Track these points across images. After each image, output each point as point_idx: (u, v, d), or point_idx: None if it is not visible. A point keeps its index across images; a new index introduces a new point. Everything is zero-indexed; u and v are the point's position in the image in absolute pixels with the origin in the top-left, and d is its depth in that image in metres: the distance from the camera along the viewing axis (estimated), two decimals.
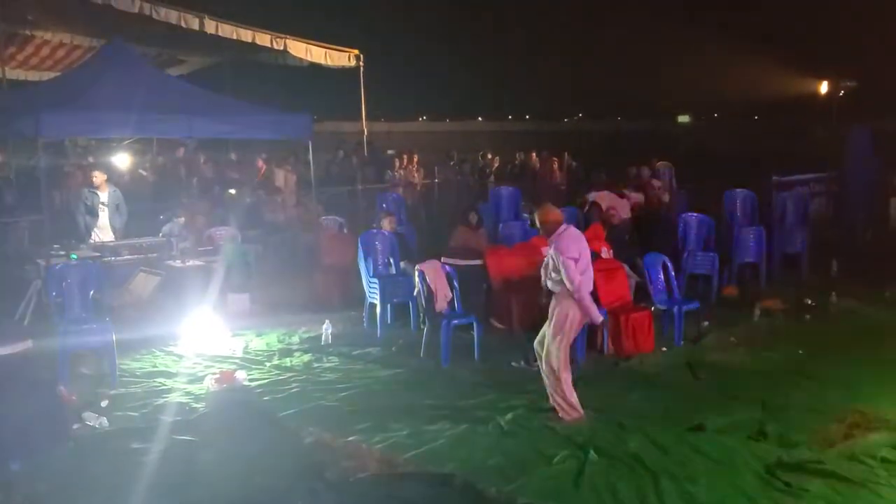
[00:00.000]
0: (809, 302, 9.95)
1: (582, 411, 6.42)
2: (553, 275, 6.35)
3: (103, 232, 10.40)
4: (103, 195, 10.42)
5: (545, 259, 6.54)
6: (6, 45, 13.84)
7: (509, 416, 6.48)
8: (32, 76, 15.74)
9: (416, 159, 16.38)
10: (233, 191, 13.79)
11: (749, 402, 6.78)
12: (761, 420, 6.37)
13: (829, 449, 5.82)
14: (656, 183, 13.62)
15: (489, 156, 18.06)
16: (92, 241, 10.05)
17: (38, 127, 9.01)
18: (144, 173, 15.08)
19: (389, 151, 18.58)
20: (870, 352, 8.10)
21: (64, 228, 10.62)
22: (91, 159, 13.65)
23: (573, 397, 6.43)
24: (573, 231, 6.48)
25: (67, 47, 14.99)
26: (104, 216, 10.40)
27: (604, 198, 11.29)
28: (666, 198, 13.45)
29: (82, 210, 10.32)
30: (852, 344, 8.45)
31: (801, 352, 8.23)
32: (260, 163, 14.60)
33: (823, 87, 19.73)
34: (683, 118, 38.06)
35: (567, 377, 6.43)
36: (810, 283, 10.93)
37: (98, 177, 10.52)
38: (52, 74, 15.42)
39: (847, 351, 8.21)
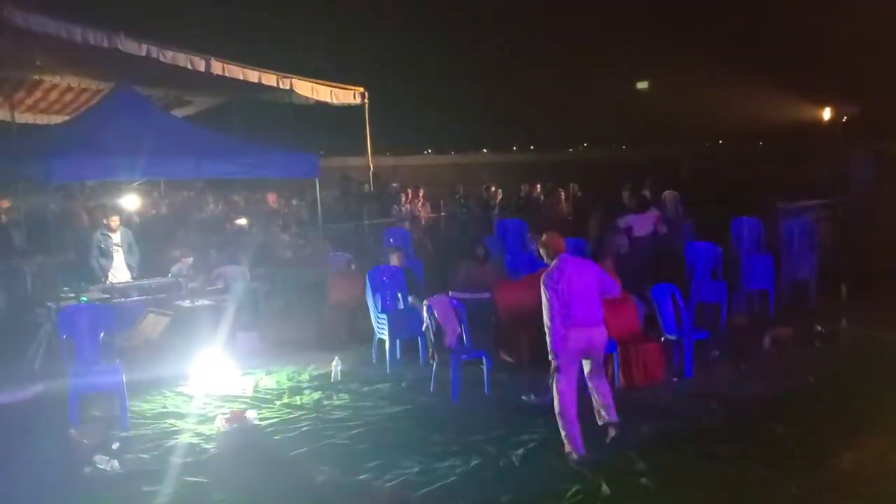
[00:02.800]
0: (820, 329, 9.91)
1: (577, 449, 6.28)
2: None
3: (120, 272, 10.46)
4: (116, 237, 10.51)
5: None
6: (15, 89, 14.02)
7: (521, 451, 6.47)
8: (41, 120, 15.89)
9: (421, 193, 16.45)
10: (242, 220, 13.86)
11: (761, 431, 6.75)
12: (774, 449, 6.34)
13: (844, 477, 5.78)
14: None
15: (492, 188, 18.12)
16: (110, 283, 10.08)
17: (47, 171, 9.10)
18: (155, 211, 15.21)
19: (394, 185, 18.68)
20: (882, 378, 8.07)
21: (74, 270, 10.67)
22: (104, 202, 13.75)
23: (572, 431, 6.33)
24: (566, 261, 6.49)
25: (76, 90, 15.16)
26: (119, 257, 10.48)
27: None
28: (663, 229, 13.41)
29: (96, 254, 10.39)
30: (864, 370, 8.42)
31: (812, 379, 8.20)
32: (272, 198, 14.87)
33: (826, 114, 19.85)
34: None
35: (562, 410, 6.34)
36: (820, 310, 10.89)
37: (114, 220, 10.61)
38: (60, 118, 15.58)
39: (859, 377, 8.18)
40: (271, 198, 15.09)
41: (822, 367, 8.56)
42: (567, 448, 6.29)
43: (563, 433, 6.34)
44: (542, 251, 6.67)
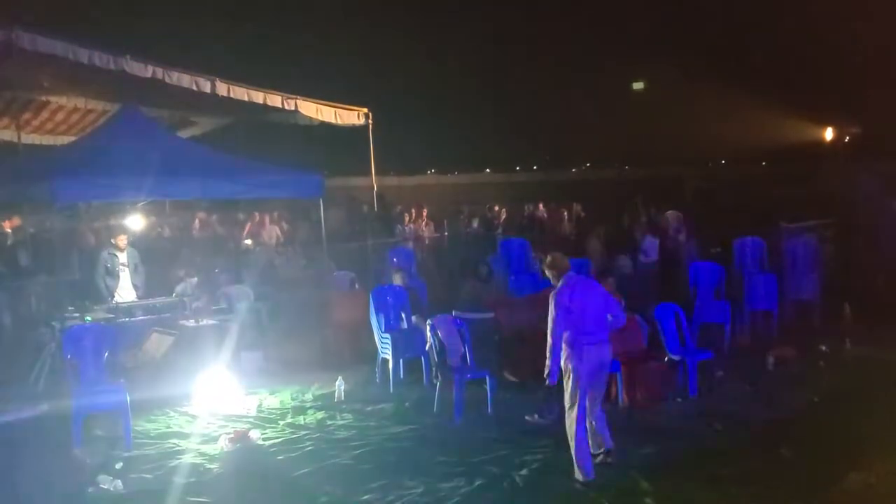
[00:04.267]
0: (823, 349, 9.91)
1: (588, 473, 6.23)
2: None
3: (126, 292, 10.47)
4: (122, 256, 10.54)
5: None
6: (22, 110, 14.12)
7: (524, 471, 6.46)
8: (47, 140, 15.99)
9: (424, 213, 16.49)
10: (248, 241, 13.90)
11: (765, 452, 6.74)
12: (779, 470, 6.32)
13: (851, 498, 5.75)
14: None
15: (496, 208, 18.19)
16: (114, 303, 10.10)
17: (52, 192, 9.14)
18: (167, 234, 15.28)
19: (399, 207, 18.74)
20: (887, 398, 8.04)
21: (79, 290, 10.70)
22: (109, 221, 13.81)
23: (586, 456, 6.30)
24: (574, 279, 6.51)
25: (82, 112, 15.25)
26: (125, 277, 10.50)
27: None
28: (682, 237, 13.46)
29: (102, 273, 10.40)
30: (868, 391, 8.40)
31: (816, 400, 8.19)
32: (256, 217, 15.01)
33: (828, 134, 19.87)
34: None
35: (578, 436, 6.30)
36: (823, 330, 10.88)
37: (122, 239, 10.65)
38: (66, 139, 15.66)
39: (863, 398, 8.16)
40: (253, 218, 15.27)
41: (826, 388, 8.55)
42: (579, 473, 6.24)
43: (576, 456, 6.28)
44: (547, 272, 6.68)
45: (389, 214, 16.79)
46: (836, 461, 6.45)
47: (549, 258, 6.72)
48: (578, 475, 6.22)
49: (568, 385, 6.32)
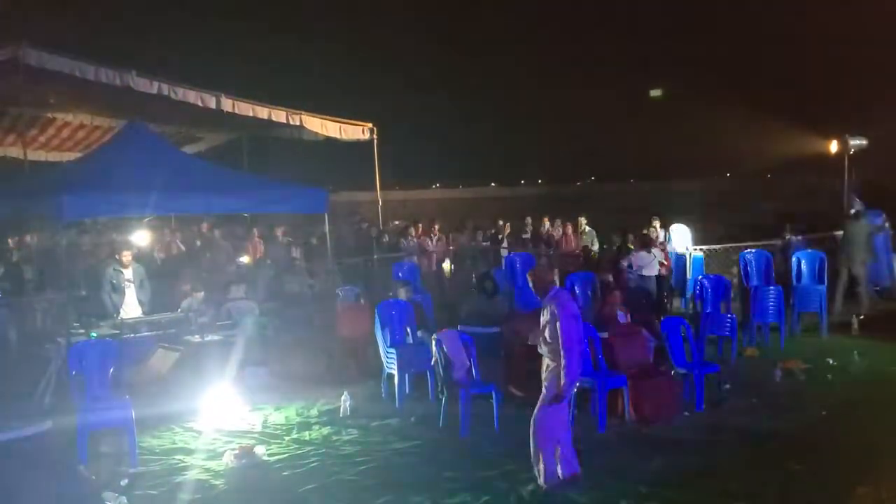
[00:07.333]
0: (831, 361, 9.86)
1: (576, 468, 6.34)
2: (549, 340, 6.32)
3: (131, 308, 10.47)
4: (128, 272, 10.54)
5: (541, 322, 6.48)
6: (28, 127, 14.20)
7: (531, 486, 6.42)
8: (53, 157, 16.07)
9: (436, 228, 16.42)
10: (245, 259, 13.88)
11: (773, 466, 6.70)
12: (787, 484, 6.28)
13: None
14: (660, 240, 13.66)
15: (500, 222, 18.18)
16: (121, 318, 10.10)
17: (60, 209, 9.16)
18: (166, 251, 15.27)
19: (395, 222, 18.76)
20: (895, 411, 7.99)
21: (85, 306, 10.70)
22: (115, 236, 13.83)
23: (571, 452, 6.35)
24: (566, 294, 6.51)
25: (88, 128, 15.33)
26: (130, 293, 10.51)
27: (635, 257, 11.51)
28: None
29: (108, 289, 10.41)
30: (877, 404, 8.35)
31: (824, 413, 8.13)
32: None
33: (833, 147, 19.76)
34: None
35: (563, 437, 6.35)
36: (831, 342, 10.83)
37: (126, 255, 10.66)
38: (73, 155, 15.75)
39: (872, 411, 8.11)
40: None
41: (834, 401, 8.49)
42: (566, 470, 6.28)
43: (563, 455, 6.32)
44: (531, 285, 6.65)
45: (388, 232, 16.78)
46: (844, 475, 6.41)
47: (532, 275, 6.69)
48: (566, 472, 6.24)
49: (567, 391, 6.31)
